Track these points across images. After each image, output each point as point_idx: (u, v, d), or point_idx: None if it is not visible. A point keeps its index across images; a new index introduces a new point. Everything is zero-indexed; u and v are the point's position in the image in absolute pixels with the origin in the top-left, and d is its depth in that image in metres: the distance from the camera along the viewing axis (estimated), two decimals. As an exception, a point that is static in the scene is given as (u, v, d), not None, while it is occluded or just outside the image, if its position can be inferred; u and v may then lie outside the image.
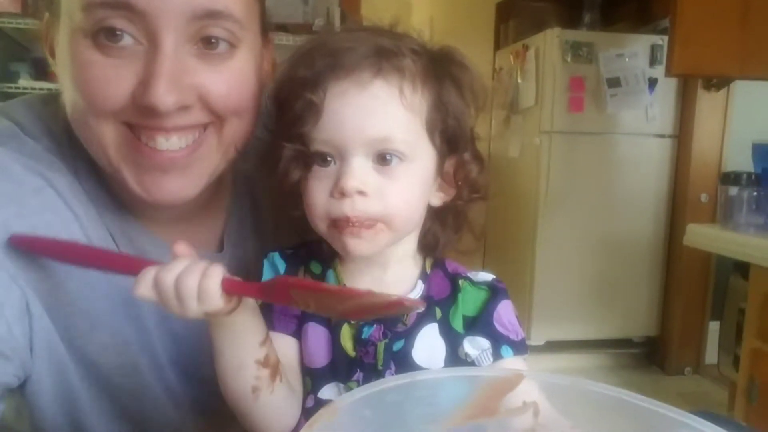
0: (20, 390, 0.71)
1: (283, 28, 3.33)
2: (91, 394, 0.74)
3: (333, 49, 0.63)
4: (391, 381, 0.47)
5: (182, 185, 0.67)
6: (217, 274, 0.55)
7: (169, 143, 0.64)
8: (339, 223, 0.63)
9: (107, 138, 0.64)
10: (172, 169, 0.66)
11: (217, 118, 0.67)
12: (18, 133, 0.71)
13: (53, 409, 0.73)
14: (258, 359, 0.61)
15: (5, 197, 0.66)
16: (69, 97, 0.65)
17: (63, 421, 0.74)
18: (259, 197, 0.84)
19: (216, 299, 0.55)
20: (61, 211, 0.69)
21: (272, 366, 0.62)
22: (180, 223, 0.76)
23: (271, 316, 0.67)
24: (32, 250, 0.66)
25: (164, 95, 0.60)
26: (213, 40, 0.64)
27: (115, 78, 0.61)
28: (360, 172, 0.61)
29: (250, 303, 0.60)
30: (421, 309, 0.65)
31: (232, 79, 0.66)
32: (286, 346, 0.67)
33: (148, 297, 0.56)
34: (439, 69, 0.66)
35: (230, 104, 0.66)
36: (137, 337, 0.74)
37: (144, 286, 0.55)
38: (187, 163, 0.66)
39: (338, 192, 0.62)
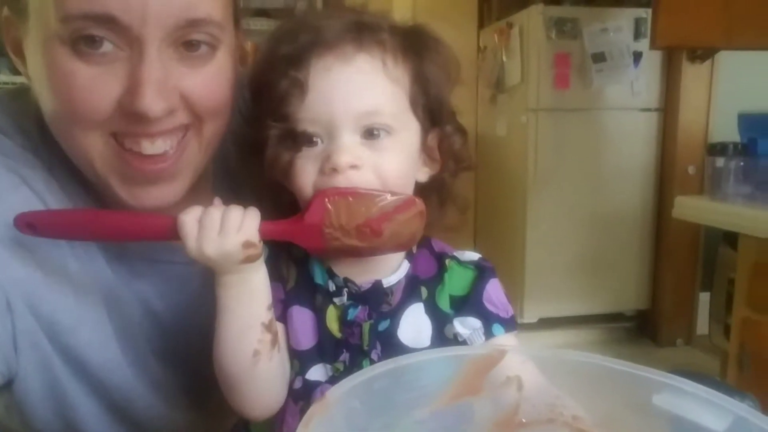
0: (8, 389, 0.70)
1: (264, 13, 3.31)
2: (81, 392, 0.73)
3: (314, 26, 0.63)
4: (377, 368, 0.47)
5: (169, 191, 0.68)
6: (255, 212, 0.61)
7: (154, 147, 0.64)
8: None
9: (93, 150, 0.64)
10: (160, 179, 0.67)
11: (197, 120, 0.67)
12: None
13: (43, 407, 0.72)
14: (264, 322, 0.63)
15: None
16: (48, 106, 0.64)
17: (54, 419, 0.74)
18: (239, 188, 0.83)
19: (254, 230, 0.61)
20: (38, 209, 0.67)
21: (274, 333, 0.64)
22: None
23: None
24: (42, 228, 0.64)
25: (153, 102, 0.60)
26: (194, 44, 0.64)
27: (99, 87, 0.61)
28: (351, 147, 0.62)
29: (263, 266, 0.64)
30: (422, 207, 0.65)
31: (212, 81, 0.66)
32: None
33: (189, 228, 0.59)
34: (416, 44, 0.66)
35: (211, 105, 0.67)
36: (120, 332, 0.74)
37: (191, 217, 0.60)
38: (174, 171, 0.67)
39: (330, 169, 0.62)
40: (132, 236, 0.67)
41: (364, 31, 0.63)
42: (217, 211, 0.60)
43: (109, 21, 0.58)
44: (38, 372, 0.70)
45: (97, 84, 0.60)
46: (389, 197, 0.61)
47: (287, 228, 0.63)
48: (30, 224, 0.63)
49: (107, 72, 0.60)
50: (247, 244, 0.60)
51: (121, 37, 0.60)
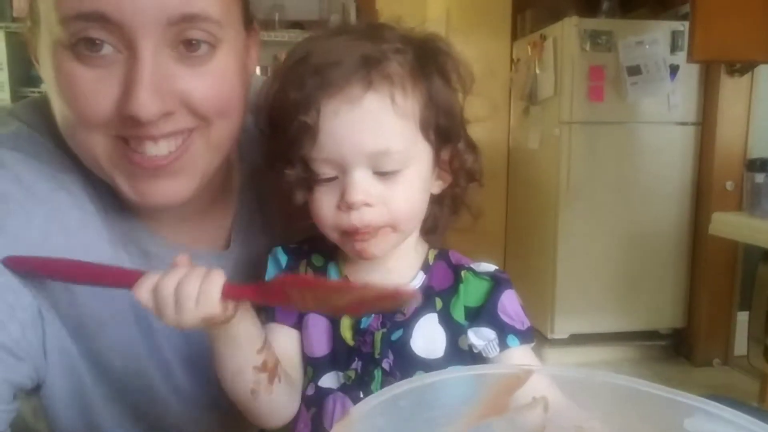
0: (36, 393, 0.71)
1: (298, 25, 3.34)
2: (104, 397, 0.74)
3: (319, 66, 0.62)
4: (402, 385, 0.47)
5: (174, 188, 0.67)
6: (218, 277, 0.56)
7: (158, 148, 0.64)
8: (349, 233, 0.65)
9: (97, 149, 0.64)
10: (163, 174, 0.66)
11: (203, 121, 0.66)
12: (31, 135, 0.71)
13: (69, 411, 0.74)
14: (256, 365, 0.62)
15: (14, 205, 0.66)
16: (57, 107, 0.65)
17: (78, 423, 0.75)
18: (266, 195, 0.84)
19: (214, 303, 0.55)
20: (73, 213, 0.69)
21: (270, 370, 0.63)
22: (185, 222, 0.76)
23: (273, 309, 0.69)
24: (28, 270, 0.65)
25: (146, 104, 0.60)
26: (193, 43, 0.63)
27: (99, 90, 0.61)
28: (363, 184, 0.63)
29: (248, 313, 0.61)
30: (418, 301, 0.65)
31: (214, 81, 0.65)
32: (287, 337, 0.69)
33: (145, 302, 0.56)
34: (425, 64, 0.66)
35: (214, 106, 0.66)
36: (144, 338, 0.75)
37: (144, 290, 0.56)
38: (177, 168, 0.66)
39: (345, 205, 0.63)
40: (102, 282, 0.65)
41: (372, 67, 0.62)
42: (172, 280, 0.55)
43: (101, 19, 0.58)
44: (65, 377, 0.71)
45: (97, 87, 0.61)
46: (365, 291, 0.55)
47: (252, 293, 0.59)
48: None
49: (107, 75, 0.61)
50: (206, 320, 0.56)
51: (118, 37, 0.60)
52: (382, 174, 0.63)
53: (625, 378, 0.48)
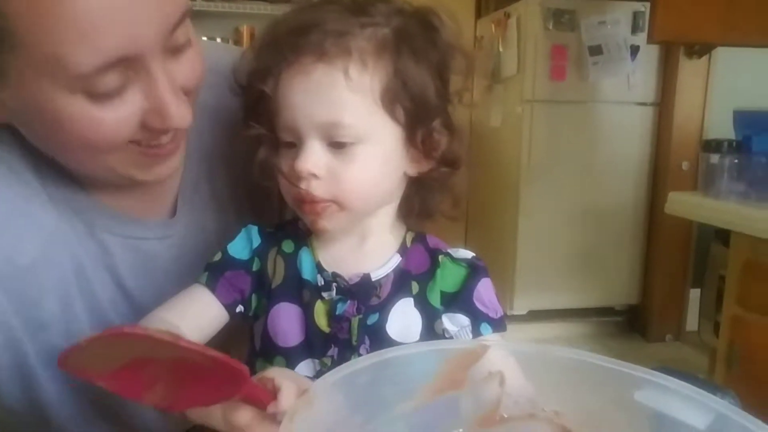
0: None
1: (262, -3, 3.28)
2: (46, 373, 0.73)
3: (283, 39, 0.63)
4: (361, 362, 0.47)
5: (176, 163, 0.72)
6: None
7: (167, 135, 0.67)
8: (298, 202, 0.65)
9: (115, 163, 0.66)
10: (172, 156, 0.70)
11: (190, 96, 0.68)
12: None
13: (11, 385, 0.72)
14: None
15: None
16: (47, 141, 0.65)
17: (21, 397, 0.74)
18: (214, 163, 0.84)
19: None
20: (15, 186, 0.68)
21: None
22: (130, 191, 0.75)
23: (218, 278, 0.67)
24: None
25: (184, 115, 0.64)
26: (182, 42, 0.65)
27: (120, 118, 0.61)
28: (313, 155, 0.62)
29: None
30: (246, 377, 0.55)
31: (195, 63, 0.68)
32: (210, 307, 0.67)
33: None
34: (401, 41, 0.64)
35: (199, 83, 0.69)
36: (89, 309, 0.74)
37: None
38: (179, 146, 0.70)
39: (294, 174, 0.63)
40: None
41: (329, 39, 0.61)
42: None
43: (122, 61, 0.59)
44: (6, 350, 0.69)
45: (117, 120, 0.61)
46: (195, 354, 0.48)
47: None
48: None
49: (123, 102, 0.61)
50: None
51: (132, 68, 0.60)
52: (336, 146, 0.63)
53: (577, 351, 0.50)
